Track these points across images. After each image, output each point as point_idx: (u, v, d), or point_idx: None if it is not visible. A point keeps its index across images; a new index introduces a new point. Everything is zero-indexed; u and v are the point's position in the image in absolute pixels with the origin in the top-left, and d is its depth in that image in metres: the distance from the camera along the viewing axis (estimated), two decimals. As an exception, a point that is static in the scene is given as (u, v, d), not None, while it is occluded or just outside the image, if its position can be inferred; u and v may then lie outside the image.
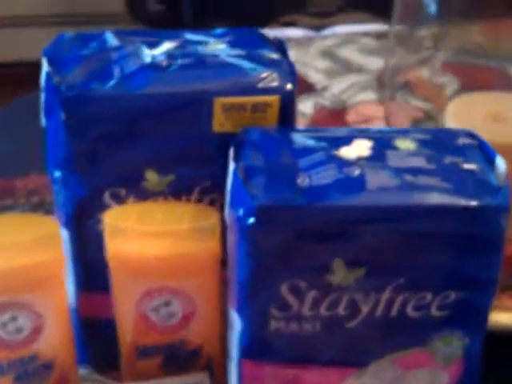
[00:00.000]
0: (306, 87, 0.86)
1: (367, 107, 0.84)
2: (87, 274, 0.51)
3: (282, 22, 1.54)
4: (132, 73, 0.48)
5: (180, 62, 0.49)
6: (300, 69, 0.89)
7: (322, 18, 1.44)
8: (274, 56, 0.51)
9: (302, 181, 0.43)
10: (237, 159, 0.45)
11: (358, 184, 0.43)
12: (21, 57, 1.96)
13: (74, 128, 0.47)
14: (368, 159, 0.45)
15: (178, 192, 0.49)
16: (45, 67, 0.48)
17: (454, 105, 0.66)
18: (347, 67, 0.90)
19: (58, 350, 0.48)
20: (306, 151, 0.46)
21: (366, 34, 0.96)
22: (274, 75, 0.49)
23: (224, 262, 0.48)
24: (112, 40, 0.50)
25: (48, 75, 0.48)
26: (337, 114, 0.83)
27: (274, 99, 0.49)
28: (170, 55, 0.49)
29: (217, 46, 0.51)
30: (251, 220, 0.42)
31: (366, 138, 0.47)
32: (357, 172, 0.44)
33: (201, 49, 0.51)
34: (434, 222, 0.43)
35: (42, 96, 0.49)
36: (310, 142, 0.46)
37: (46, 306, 0.46)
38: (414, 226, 0.42)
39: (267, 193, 0.43)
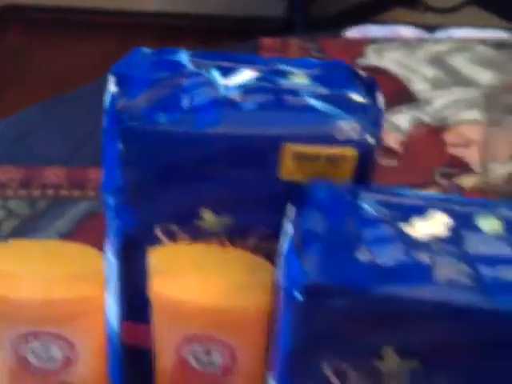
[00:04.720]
0: (406, 97, 0.80)
1: (470, 129, 0.77)
2: (132, 304, 0.49)
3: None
4: (201, 106, 0.44)
5: (255, 98, 0.45)
6: (403, 74, 0.84)
7: (440, 13, 1.35)
8: (361, 100, 0.46)
9: (364, 256, 0.40)
10: (295, 221, 0.42)
11: (425, 273, 0.39)
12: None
13: (130, 161, 0.44)
14: (443, 241, 0.41)
15: (234, 235, 0.46)
16: (111, 87, 0.45)
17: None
18: (454, 78, 0.83)
19: None
20: (374, 221, 0.41)
21: (483, 42, 0.89)
22: (356, 125, 0.45)
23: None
24: (187, 63, 0.47)
25: (113, 97, 0.45)
26: (435, 132, 0.77)
27: (350, 153, 0.44)
28: (245, 88, 0.45)
29: (300, 80, 0.47)
30: (299, 297, 0.39)
31: (444, 210, 0.42)
32: (426, 258, 0.39)
33: (281, 82, 0.46)
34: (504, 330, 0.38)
35: (104, 117, 0.46)
36: (381, 209, 0.42)
37: (80, 340, 0.44)
38: (483, 331, 0.38)
39: (321, 269, 0.39)
